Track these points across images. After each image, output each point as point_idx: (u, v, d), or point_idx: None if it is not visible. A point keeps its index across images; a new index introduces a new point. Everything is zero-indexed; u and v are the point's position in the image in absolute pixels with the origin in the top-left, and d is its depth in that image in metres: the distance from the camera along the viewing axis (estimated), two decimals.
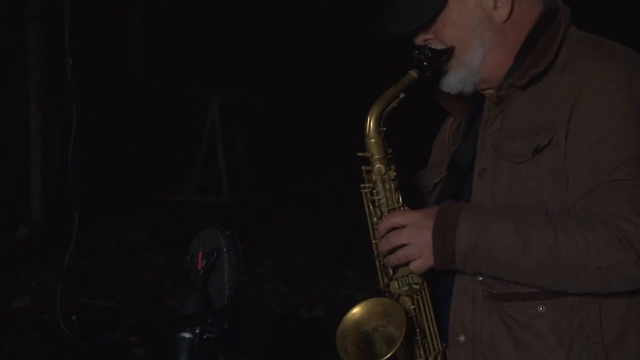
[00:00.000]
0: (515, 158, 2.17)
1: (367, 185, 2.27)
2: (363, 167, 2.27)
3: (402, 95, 2.24)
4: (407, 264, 2.20)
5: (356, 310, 2.27)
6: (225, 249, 2.24)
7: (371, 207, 2.28)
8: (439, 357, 2.27)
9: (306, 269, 7.32)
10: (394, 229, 2.19)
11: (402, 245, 2.18)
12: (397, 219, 2.20)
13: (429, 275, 2.23)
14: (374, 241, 2.27)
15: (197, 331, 2.19)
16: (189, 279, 2.25)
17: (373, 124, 2.23)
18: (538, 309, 2.14)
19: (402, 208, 2.26)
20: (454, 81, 2.27)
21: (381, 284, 2.30)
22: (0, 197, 8.02)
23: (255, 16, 11.32)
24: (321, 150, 10.42)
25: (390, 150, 2.27)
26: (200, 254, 2.24)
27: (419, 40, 2.27)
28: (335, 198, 9.07)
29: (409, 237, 2.17)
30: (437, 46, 2.26)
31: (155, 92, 10.28)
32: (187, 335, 2.20)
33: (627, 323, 2.14)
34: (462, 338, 2.23)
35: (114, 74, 9.71)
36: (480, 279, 2.19)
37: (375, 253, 2.28)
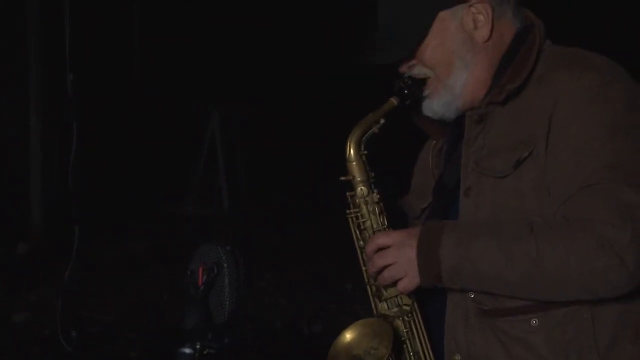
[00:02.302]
0: (497, 173, 2.18)
1: (352, 210, 2.30)
2: (348, 194, 2.31)
3: (382, 121, 2.27)
4: (395, 284, 2.20)
5: (346, 334, 2.28)
6: (225, 265, 2.25)
7: (358, 231, 2.30)
8: None
9: (306, 282, 7.31)
10: (379, 249, 2.20)
11: (389, 266, 2.19)
12: (381, 239, 2.22)
13: (419, 296, 2.25)
14: (364, 268, 2.29)
15: (198, 346, 2.20)
16: (190, 294, 2.25)
17: (353, 147, 2.27)
18: (531, 322, 2.15)
19: (387, 230, 2.28)
20: (437, 105, 2.30)
21: (375, 312, 2.30)
22: (0, 210, 8.01)
23: (256, 29, 11.34)
24: (321, 164, 10.40)
25: (373, 174, 2.30)
26: (201, 269, 2.24)
27: (404, 67, 2.31)
28: (336, 211, 9.04)
29: (393, 257, 2.18)
30: (421, 70, 2.28)
31: (155, 105, 10.28)
32: (187, 350, 2.20)
33: (619, 331, 2.15)
34: (457, 357, 2.25)
35: (114, 87, 9.72)
36: (472, 296, 2.20)
37: (366, 279, 2.29)
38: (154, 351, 5.51)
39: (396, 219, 2.36)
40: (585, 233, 2.00)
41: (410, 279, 2.18)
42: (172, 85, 10.43)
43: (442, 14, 2.26)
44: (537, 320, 2.14)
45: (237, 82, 10.74)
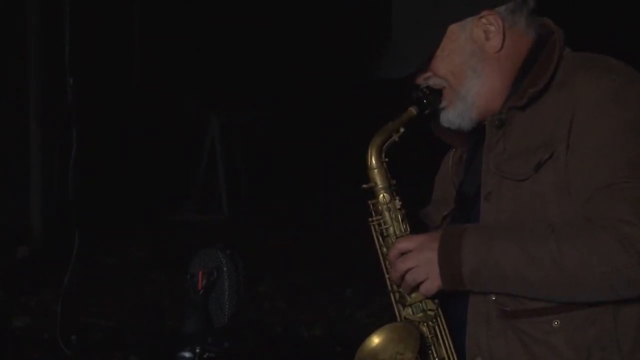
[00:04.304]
0: (518, 176, 2.20)
1: (374, 218, 2.31)
2: (369, 202, 2.31)
3: (402, 130, 2.30)
4: (417, 288, 2.22)
5: (373, 338, 2.28)
6: (225, 269, 2.24)
7: (380, 239, 2.31)
8: None
9: (306, 287, 7.31)
10: (402, 254, 2.21)
11: (411, 270, 2.20)
12: (403, 244, 2.24)
13: (443, 300, 2.26)
14: (387, 275, 2.30)
15: (198, 351, 2.19)
16: (189, 299, 2.25)
17: (375, 155, 2.29)
18: (553, 323, 2.16)
19: (409, 235, 2.29)
20: (453, 116, 2.33)
21: (398, 319, 2.30)
22: (0, 216, 8.01)
23: (257, 35, 11.34)
24: (322, 170, 10.42)
25: (395, 182, 2.31)
26: (201, 273, 2.24)
27: (420, 80, 2.34)
28: (336, 217, 9.07)
29: (415, 260, 2.20)
30: (437, 81, 2.31)
31: (156, 111, 10.28)
32: (187, 354, 2.20)
33: None
34: None
35: (114, 92, 9.72)
36: (494, 298, 2.21)
37: (389, 287, 2.30)
38: (154, 355, 5.51)
39: (418, 230, 2.36)
40: (605, 232, 2.02)
41: (432, 282, 2.19)
42: (173, 91, 10.44)
43: (452, 27, 2.28)
44: (558, 321, 2.15)
45: (237, 88, 10.74)
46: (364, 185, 2.31)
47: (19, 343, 5.81)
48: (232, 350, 2.22)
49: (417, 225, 2.37)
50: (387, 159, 2.30)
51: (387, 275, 2.31)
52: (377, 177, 2.30)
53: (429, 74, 2.32)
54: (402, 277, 2.22)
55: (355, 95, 9.73)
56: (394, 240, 2.28)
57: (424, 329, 2.27)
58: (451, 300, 2.27)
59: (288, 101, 11.19)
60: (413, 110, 2.30)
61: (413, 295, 2.25)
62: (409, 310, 2.27)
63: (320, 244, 8.62)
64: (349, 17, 11.04)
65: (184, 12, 10.81)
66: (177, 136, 10.23)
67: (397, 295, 2.29)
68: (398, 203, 2.30)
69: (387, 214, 2.29)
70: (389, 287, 2.31)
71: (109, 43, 9.55)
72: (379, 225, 2.31)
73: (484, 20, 2.27)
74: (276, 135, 11.08)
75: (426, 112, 2.32)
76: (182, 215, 9.79)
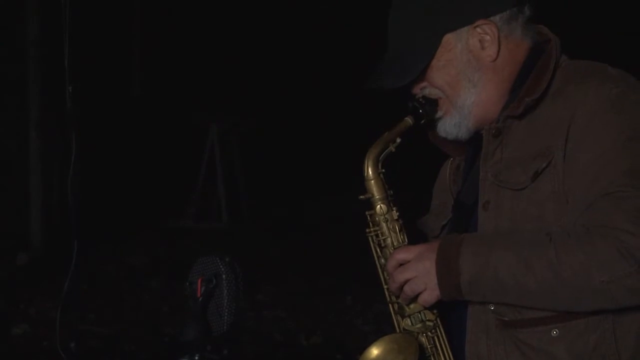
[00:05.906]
0: (515, 185, 2.18)
1: (372, 229, 2.30)
2: (367, 213, 2.30)
3: (398, 140, 2.28)
4: (416, 298, 2.21)
5: (372, 349, 2.26)
6: (224, 276, 2.24)
7: (378, 250, 2.30)
8: None
9: (306, 295, 7.30)
10: (400, 265, 2.20)
11: (409, 280, 2.19)
12: (401, 254, 2.22)
13: (442, 310, 2.24)
14: (385, 286, 2.29)
15: (197, 358, 2.19)
16: (188, 306, 2.25)
17: (371, 166, 2.27)
18: (552, 333, 2.15)
19: (407, 246, 2.28)
20: (450, 125, 2.32)
21: (397, 330, 2.29)
22: (0, 222, 8.01)
23: (256, 42, 11.36)
24: (321, 177, 10.43)
25: (392, 192, 2.30)
26: (200, 280, 2.24)
27: (416, 89, 2.32)
28: (335, 224, 9.07)
29: (413, 270, 2.18)
30: (433, 91, 2.30)
31: (155, 119, 10.30)
32: None
33: None
34: None
35: (114, 100, 9.74)
36: (492, 308, 2.19)
37: (388, 297, 2.29)
38: None
39: (416, 239, 2.36)
40: (604, 241, 2.01)
41: (430, 292, 2.17)
42: (172, 98, 10.45)
43: (448, 37, 2.27)
44: (557, 330, 2.14)
45: (236, 95, 10.76)
46: (361, 197, 2.30)
47: (18, 350, 5.80)
48: (231, 358, 2.22)
49: (415, 234, 2.36)
50: (383, 170, 2.29)
51: (385, 286, 2.29)
52: (374, 188, 2.28)
53: (424, 83, 2.31)
54: (401, 288, 2.20)
55: (353, 102, 9.74)
56: (391, 251, 2.26)
57: (423, 339, 2.26)
58: (450, 311, 2.26)
59: (287, 108, 11.21)
60: (409, 120, 2.29)
61: (412, 306, 2.23)
62: (408, 321, 2.26)
63: (320, 251, 8.63)
64: (348, 26, 11.07)
65: (184, 19, 10.84)
66: (177, 143, 10.25)
67: (396, 306, 2.27)
68: (395, 214, 2.28)
69: (384, 224, 2.28)
70: (388, 298, 2.29)
71: (109, 51, 9.56)
72: (377, 236, 2.29)
73: (479, 29, 2.26)
74: (275, 142, 11.09)
75: (422, 122, 2.30)
76: (181, 223, 9.79)
